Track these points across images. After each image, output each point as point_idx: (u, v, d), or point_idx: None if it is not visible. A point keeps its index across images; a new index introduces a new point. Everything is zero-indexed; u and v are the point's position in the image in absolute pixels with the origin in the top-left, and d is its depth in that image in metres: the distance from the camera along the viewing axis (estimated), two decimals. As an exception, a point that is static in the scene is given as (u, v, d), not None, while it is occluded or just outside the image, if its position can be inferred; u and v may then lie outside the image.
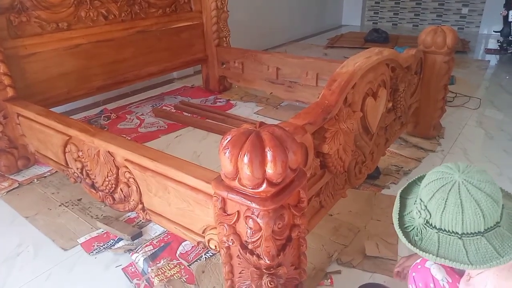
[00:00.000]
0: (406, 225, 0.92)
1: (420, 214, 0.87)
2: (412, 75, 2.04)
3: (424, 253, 0.84)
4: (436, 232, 0.84)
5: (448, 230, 0.82)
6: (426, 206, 0.85)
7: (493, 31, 5.29)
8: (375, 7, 7.04)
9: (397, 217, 0.94)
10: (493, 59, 4.57)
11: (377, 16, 7.09)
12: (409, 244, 0.87)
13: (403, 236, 0.89)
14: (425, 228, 0.86)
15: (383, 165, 2.12)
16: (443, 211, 0.81)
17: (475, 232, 0.80)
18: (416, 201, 0.91)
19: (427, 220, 0.85)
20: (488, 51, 4.89)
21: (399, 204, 0.97)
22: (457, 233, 0.81)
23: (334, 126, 1.33)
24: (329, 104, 1.33)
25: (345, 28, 6.80)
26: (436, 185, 0.84)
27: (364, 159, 1.64)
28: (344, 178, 1.54)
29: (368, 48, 1.69)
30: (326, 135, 1.30)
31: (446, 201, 0.81)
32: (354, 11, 7.03)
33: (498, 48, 4.66)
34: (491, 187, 0.80)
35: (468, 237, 0.81)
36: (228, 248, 1.04)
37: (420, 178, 0.99)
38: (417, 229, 0.88)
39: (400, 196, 1.00)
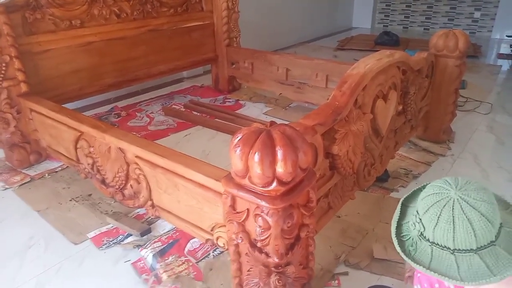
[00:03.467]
0: (403, 234, 0.93)
1: (415, 226, 0.88)
2: (423, 79, 2.03)
3: (416, 264, 0.85)
4: (430, 245, 0.85)
5: (441, 245, 0.83)
6: (421, 219, 0.86)
7: (506, 35, 5.24)
8: (386, 10, 7.00)
9: (396, 225, 0.95)
10: (505, 64, 4.52)
11: (388, 19, 7.05)
12: (403, 254, 0.88)
13: (398, 245, 0.90)
14: (420, 240, 0.87)
15: (392, 168, 2.11)
16: (435, 226, 0.82)
17: (466, 249, 0.81)
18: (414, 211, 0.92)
19: (421, 232, 0.86)
20: (500, 56, 4.84)
21: (399, 212, 0.98)
22: (449, 248, 0.82)
23: (344, 127, 1.33)
24: (339, 105, 1.33)
25: (355, 30, 6.77)
26: (432, 199, 0.84)
27: (373, 161, 1.64)
28: (353, 180, 1.54)
29: (378, 50, 1.68)
30: (336, 136, 1.30)
31: (439, 217, 0.82)
32: (364, 14, 7.00)
33: (511, 53, 4.61)
34: (486, 207, 0.80)
35: (460, 253, 0.81)
36: (237, 245, 1.05)
37: (425, 187, 0.99)
38: (412, 239, 0.89)
39: (402, 203, 1.00)
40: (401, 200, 1.01)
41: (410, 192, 1.02)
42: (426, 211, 0.84)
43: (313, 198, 1.04)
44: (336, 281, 1.40)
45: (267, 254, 0.99)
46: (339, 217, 1.72)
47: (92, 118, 2.00)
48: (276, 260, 0.98)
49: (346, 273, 1.43)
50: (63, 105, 2.00)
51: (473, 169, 2.17)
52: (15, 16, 2.07)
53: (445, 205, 0.82)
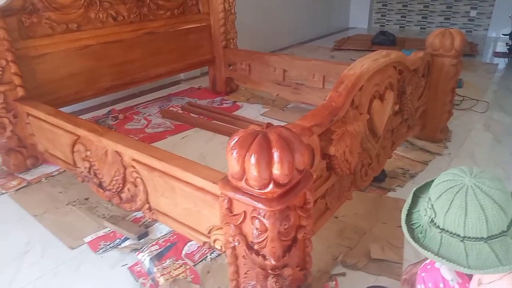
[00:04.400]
0: (413, 222, 0.93)
1: (426, 212, 0.88)
2: (420, 78, 2.03)
3: (425, 250, 0.84)
4: (440, 232, 0.84)
5: (451, 232, 0.82)
6: (432, 205, 0.86)
7: (502, 34, 5.25)
8: (383, 9, 7.02)
9: (406, 212, 0.95)
10: (502, 63, 4.54)
11: (384, 19, 7.07)
12: (412, 240, 0.88)
13: (407, 232, 0.90)
14: (430, 226, 0.87)
15: (390, 168, 2.11)
16: (447, 212, 0.82)
17: (477, 237, 0.80)
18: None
19: (432, 218, 0.86)
20: (497, 54, 4.85)
21: (410, 201, 0.98)
22: (459, 235, 0.81)
23: (341, 128, 1.33)
24: (336, 106, 1.33)
25: (352, 30, 6.79)
26: (445, 185, 0.84)
27: (370, 161, 1.64)
28: (350, 180, 1.54)
29: (375, 50, 1.69)
30: (332, 137, 1.30)
31: (451, 202, 0.81)
32: (361, 14, 7.01)
33: (507, 51, 4.63)
34: (500, 195, 0.79)
35: (470, 241, 0.81)
36: (234, 248, 1.05)
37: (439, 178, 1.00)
38: (422, 226, 0.89)
39: (414, 193, 1.00)
40: (413, 190, 1.01)
41: (422, 183, 1.02)
42: (439, 197, 0.84)
43: (310, 200, 1.04)
44: (334, 282, 1.40)
45: (264, 257, 0.99)
46: (337, 217, 1.72)
47: (89, 121, 2.00)
48: (273, 263, 0.98)
49: (343, 274, 1.43)
50: (60, 109, 1.99)
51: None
52: (11, 20, 2.06)
53: (458, 191, 0.81)
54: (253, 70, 3.08)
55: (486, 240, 0.80)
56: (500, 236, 0.80)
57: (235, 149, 0.90)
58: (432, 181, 1.00)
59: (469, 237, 0.80)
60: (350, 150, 1.39)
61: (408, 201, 0.98)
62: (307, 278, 1.13)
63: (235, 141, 0.92)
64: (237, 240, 1.01)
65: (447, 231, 0.83)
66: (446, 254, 0.82)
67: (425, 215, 0.88)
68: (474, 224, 0.79)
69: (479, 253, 0.80)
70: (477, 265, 0.79)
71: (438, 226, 0.85)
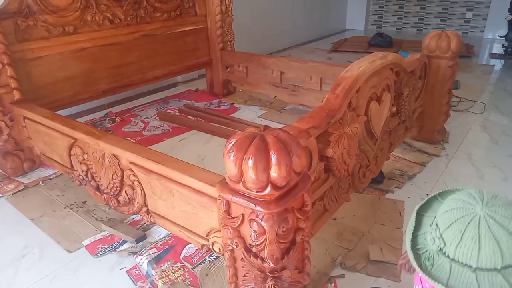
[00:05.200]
0: (419, 246, 0.88)
1: (434, 241, 0.83)
2: (417, 80, 2.04)
3: (433, 281, 0.80)
4: (449, 262, 0.80)
5: (462, 262, 0.78)
6: (441, 235, 0.81)
7: (498, 35, 5.28)
8: (379, 11, 7.05)
9: (411, 237, 0.90)
10: (498, 64, 4.56)
11: (381, 21, 7.09)
12: (419, 268, 0.83)
13: (414, 259, 0.85)
14: (438, 255, 0.82)
15: (387, 169, 2.11)
16: (458, 244, 0.77)
17: (490, 268, 0.76)
18: (432, 223, 0.87)
19: (441, 248, 0.82)
20: (493, 55, 4.88)
21: (414, 222, 0.92)
22: (471, 266, 0.77)
23: (338, 130, 1.33)
24: (333, 108, 1.33)
25: (349, 32, 6.81)
26: (455, 214, 0.79)
27: (368, 163, 1.64)
28: (348, 182, 1.54)
29: (372, 52, 1.69)
30: (330, 139, 1.30)
31: (463, 234, 0.77)
32: (358, 16, 7.04)
33: (503, 53, 4.65)
34: None
35: (482, 271, 0.77)
36: (232, 251, 1.04)
37: (442, 194, 0.95)
38: (429, 253, 0.84)
39: (417, 213, 0.94)
40: (415, 209, 0.95)
41: (424, 200, 0.97)
42: (449, 227, 0.79)
43: (308, 202, 1.03)
44: (333, 284, 1.39)
45: (262, 259, 0.98)
46: (335, 219, 1.72)
47: (86, 124, 1.99)
48: (272, 265, 0.98)
49: (342, 276, 1.43)
50: (57, 112, 1.99)
51: (468, 168, 2.18)
52: (7, 23, 2.06)
53: (470, 222, 0.76)
54: (251, 72, 3.08)
55: (500, 271, 0.76)
56: None
57: (232, 151, 0.90)
58: (435, 196, 0.96)
59: (482, 268, 0.76)
60: (347, 152, 1.39)
61: (412, 222, 0.92)
62: (306, 281, 1.12)
63: (232, 143, 0.91)
64: (236, 242, 1.01)
65: (458, 261, 0.79)
66: (456, 284, 0.78)
67: (433, 244, 0.84)
68: (489, 258, 0.75)
69: (491, 284, 0.76)
70: None
71: (447, 256, 0.80)
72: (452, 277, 0.78)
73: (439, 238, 0.82)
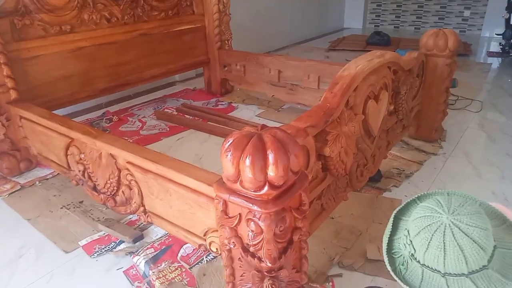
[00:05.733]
0: (395, 251, 0.91)
1: (405, 247, 0.87)
2: (414, 78, 2.04)
3: (406, 285, 0.84)
4: (420, 267, 0.84)
5: (431, 268, 0.82)
6: (411, 241, 0.85)
7: (495, 34, 5.28)
8: (377, 10, 7.04)
9: (387, 241, 0.93)
10: (495, 62, 4.57)
11: (379, 19, 7.09)
12: (393, 273, 0.87)
13: (388, 264, 0.89)
14: (411, 260, 0.86)
15: (385, 168, 2.11)
16: (426, 251, 0.81)
17: (457, 273, 0.79)
18: (405, 229, 0.90)
19: (412, 253, 0.85)
20: (490, 54, 4.89)
21: (391, 226, 0.95)
22: (439, 271, 0.81)
23: (336, 129, 1.33)
24: (331, 107, 1.33)
25: (347, 31, 6.80)
26: (423, 222, 0.82)
27: (365, 162, 1.64)
28: (345, 181, 1.54)
29: (370, 51, 1.69)
30: (328, 137, 1.30)
31: (429, 242, 0.80)
32: (356, 14, 7.03)
33: (500, 51, 4.66)
34: (479, 233, 0.78)
35: (451, 276, 0.80)
36: (230, 250, 1.04)
37: (421, 198, 0.97)
38: (403, 258, 0.88)
39: (395, 216, 0.97)
40: (393, 213, 0.98)
41: (402, 205, 0.99)
42: (417, 234, 0.83)
43: (306, 201, 1.03)
44: (330, 283, 1.39)
45: (260, 259, 0.98)
46: (333, 218, 1.72)
47: (83, 124, 1.98)
48: (269, 265, 0.98)
49: (340, 275, 1.43)
50: (54, 112, 1.97)
51: (465, 167, 2.18)
52: (4, 22, 2.04)
53: (436, 230, 0.80)
54: (248, 71, 3.07)
55: (468, 275, 0.79)
56: (481, 271, 0.79)
57: (229, 151, 0.90)
58: (413, 201, 0.98)
59: (450, 273, 0.80)
60: (345, 150, 1.38)
61: (389, 226, 0.95)
62: (303, 280, 1.12)
63: (229, 143, 0.91)
64: (233, 242, 1.00)
65: (428, 266, 0.82)
66: None
67: (405, 249, 0.87)
68: (454, 264, 0.78)
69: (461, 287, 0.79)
70: None
71: (418, 261, 0.84)
72: (424, 282, 0.82)
73: (409, 244, 0.85)
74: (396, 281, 0.88)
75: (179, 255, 1.55)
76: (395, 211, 0.98)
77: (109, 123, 2.87)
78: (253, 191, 0.91)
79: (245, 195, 0.93)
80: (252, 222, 0.95)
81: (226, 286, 1.11)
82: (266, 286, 1.00)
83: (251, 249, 0.98)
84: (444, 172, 2.12)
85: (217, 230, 1.09)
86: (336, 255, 1.52)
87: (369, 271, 1.44)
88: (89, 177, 1.66)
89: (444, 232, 0.79)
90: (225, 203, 1.00)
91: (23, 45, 2.15)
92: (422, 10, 6.63)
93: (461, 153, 2.33)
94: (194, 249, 1.56)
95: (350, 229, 1.66)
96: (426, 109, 2.31)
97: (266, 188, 0.90)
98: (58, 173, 2.11)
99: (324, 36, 6.25)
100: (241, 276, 1.06)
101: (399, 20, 6.91)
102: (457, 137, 2.53)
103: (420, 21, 6.70)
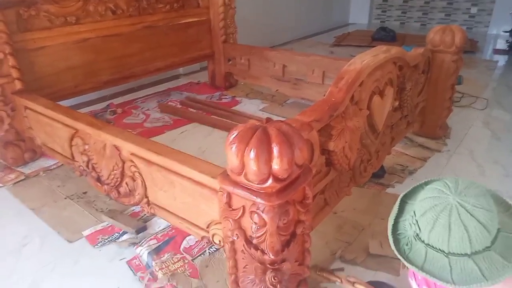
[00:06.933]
0: (400, 232, 0.93)
1: (411, 227, 0.89)
2: (420, 74, 2.03)
3: (410, 264, 0.85)
4: (425, 247, 0.85)
5: (435, 247, 0.83)
6: (417, 221, 0.86)
7: (502, 31, 5.24)
8: (383, 5, 6.99)
9: (392, 222, 0.95)
10: (502, 60, 4.53)
11: (385, 15, 7.04)
12: (397, 252, 0.89)
13: (393, 244, 0.91)
14: (415, 240, 0.88)
15: (389, 164, 2.11)
16: (431, 230, 0.83)
17: (461, 253, 0.81)
18: (411, 210, 0.92)
19: (417, 233, 0.87)
20: (497, 51, 4.84)
21: (397, 209, 0.97)
22: (443, 251, 0.82)
23: (341, 123, 1.33)
24: (336, 102, 1.32)
25: (352, 26, 6.76)
26: (430, 203, 0.85)
27: (369, 157, 1.64)
28: (349, 176, 1.54)
29: (375, 46, 1.68)
30: (332, 132, 1.30)
31: (435, 221, 0.82)
32: (361, 9, 6.98)
33: (507, 49, 4.62)
34: (484, 214, 0.80)
35: (454, 256, 0.81)
36: (233, 243, 1.04)
37: (428, 183, 0.98)
38: (408, 238, 0.90)
39: (401, 200, 1.00)
40: (400, 197, 1.00)
41: (409, 189, 1.01)
42: (423, 214, 0.85)
43: (309, 195, 1.03)
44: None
45: (262, 251, 0.98)
46: (336, 213, 1.72)
47: (88, 115, 1.98)
48: (272, 257, 0.98)
49: (342, 269, 1.43)
50: (58, 103, 1.98)
51: (469, 164, 2.17)
52: (9, 12, 2.04)
53: (442, 210, 0.82)
54: (253, 65, 3.06)
55: (470, 256, 0.81)
56: (484, 252, 0.81)
57: (234, 143, 0.90)
58: (420, 186, 1.00)
59: (453, 253, 0.81)
60: (349, 145, 1.38)
61: (395, 208, 0.97)
62: (306, 273, 1.13)
63: (234, 135, 0.91)
64: (236, 234, 1.01)
65: (432, 246, 0.84)
66: (431, 268, 0.83)
67: (410, 229, 0.89)
68: (458, 243, 0.80)
69: (463, 268, 0.80)
70: (461, 280, 0.80)
71: (423, 241, 0.86)
72: (428, 261, 0.84)
73: (415, 224, 0.87)
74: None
75: (182, 246, 1.56)
76: (401, 195, 1.00)
77: (113, 115, 2.87)
78: (257, 184, 0.91)
79: (249, 187, 0.93)
80: (255, 215, 0.95)
81: (228, 278, 1.12)
82: (269, 278, 1.01)
83: (254, 241, 0.99)
84: (448, 169, 2.12)
85: (220, 222, 1.09)
86: (338, 249, 1.52)
87: (371, 266, 1.45)
88: (93, 168, 1.67)
89: (450, 212, 0.81)
90: (229, 195, 1.00)
91: (29, 36, 2.15)
92: (428, 6, 6.58)
93: (465, 150, 2.33)
94: (197, 241, 1.57)
95: (352, 224, 1.67)
96: (431, 105, 2.30)
97: (270, 181, 0.90)
98: (62, 164, 2.12)
99: (329, 31, 6.21)
100: (243, 268, 1.06)
101: (405, 16, 6.85)
102: (462, 135, 2.52)
103: (426, 17, 6.65)
